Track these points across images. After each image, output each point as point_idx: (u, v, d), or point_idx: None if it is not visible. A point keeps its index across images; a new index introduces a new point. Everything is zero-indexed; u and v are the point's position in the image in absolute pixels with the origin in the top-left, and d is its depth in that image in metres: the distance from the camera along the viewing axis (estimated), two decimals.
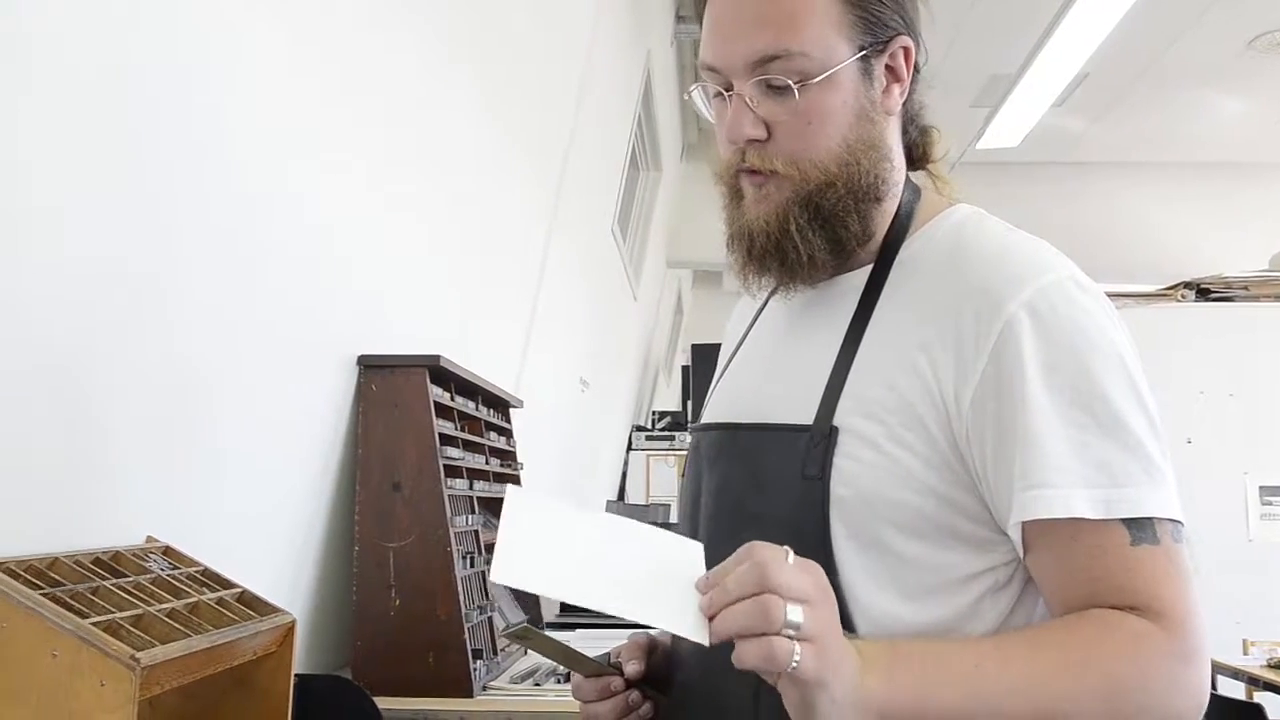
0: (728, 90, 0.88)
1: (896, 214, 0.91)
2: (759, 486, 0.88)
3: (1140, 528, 0.77)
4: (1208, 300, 5.44)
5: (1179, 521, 0.79)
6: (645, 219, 5.67)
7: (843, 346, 0.87)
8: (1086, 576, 0.78)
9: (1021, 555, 0.81)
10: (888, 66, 0.89)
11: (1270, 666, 3.70)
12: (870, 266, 0.90)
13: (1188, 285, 5.53)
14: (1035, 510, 0.78)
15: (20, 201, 1.01)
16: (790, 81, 0.85)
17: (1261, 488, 5.07)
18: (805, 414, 0.86)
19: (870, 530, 0.82)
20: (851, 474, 0.83)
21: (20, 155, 1.00)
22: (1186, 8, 4.48)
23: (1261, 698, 3.38)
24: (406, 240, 2.11)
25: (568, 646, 0.81)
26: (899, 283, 0.88)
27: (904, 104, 0.92)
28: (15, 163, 1.00)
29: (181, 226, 1.29)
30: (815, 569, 0.73)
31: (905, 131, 0.94)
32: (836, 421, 0.84)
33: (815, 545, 0.82)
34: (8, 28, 0.95)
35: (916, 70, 0.92)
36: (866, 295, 0.89)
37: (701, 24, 0.90)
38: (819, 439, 0.84)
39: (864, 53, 0.87)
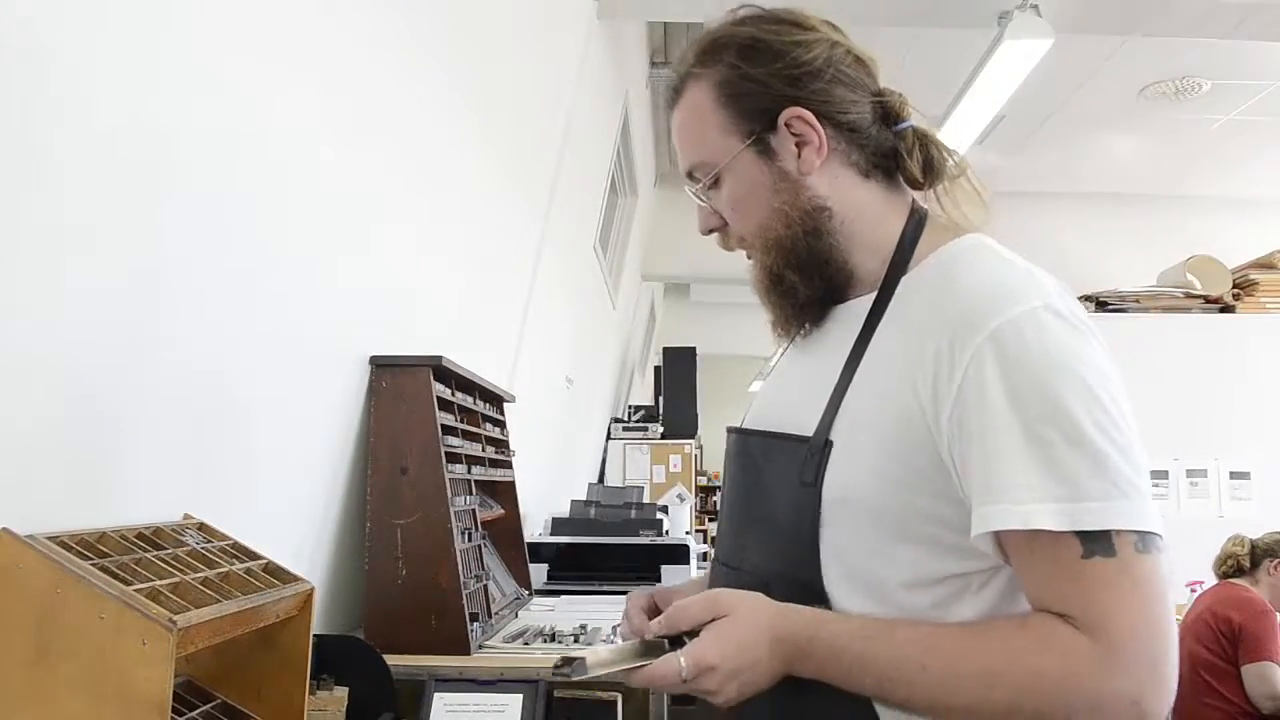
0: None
1: (900, 245, 0.88)
2: (763, 489, 0.87)
3: (1095, 540, 0.71)
4: (1106, 311, 5.52)
5: (1149, 533, 0.73)
6: (623, 238, 5.67)
7: (844, 366, 0.85)
8: (1041, 583, 0.74)
9: (1008, 564, 0.78)
10: (792, 134, 0.88)
11: None
12: (874, 294, 0.88)
13: (1088, 298, 5.60)
14: (992, 523, 0.74)
15: (63, 217, 1.00)
16: (701, 188, 0.92)
17: (1149, 472, 5.16)
18: (808, 426, 0.84)
19: (854, 529, 0.80)
20: (841, 482, 0.80)
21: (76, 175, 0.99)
22: (1088, 62, 4.54)
23: None
24: (415, 255, 2.10)
25: (620, 667, 0.78)
26: (896, 311, 0.85)
27: (858, 144, 0.89)
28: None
29: (225, 249, 1.28)
30: (722, 642, 0.76)
31: (879, 165, 0.90)
32: (832, 435, 0.82)
33: (807, 545, 0.81)
34: (30, 44, 0.94)
35: (838, 124, 0.88)
36: (868, 321, 0.86)
37: None
38: (816, 450, 0.82)
39: (753, 138, 0.88)
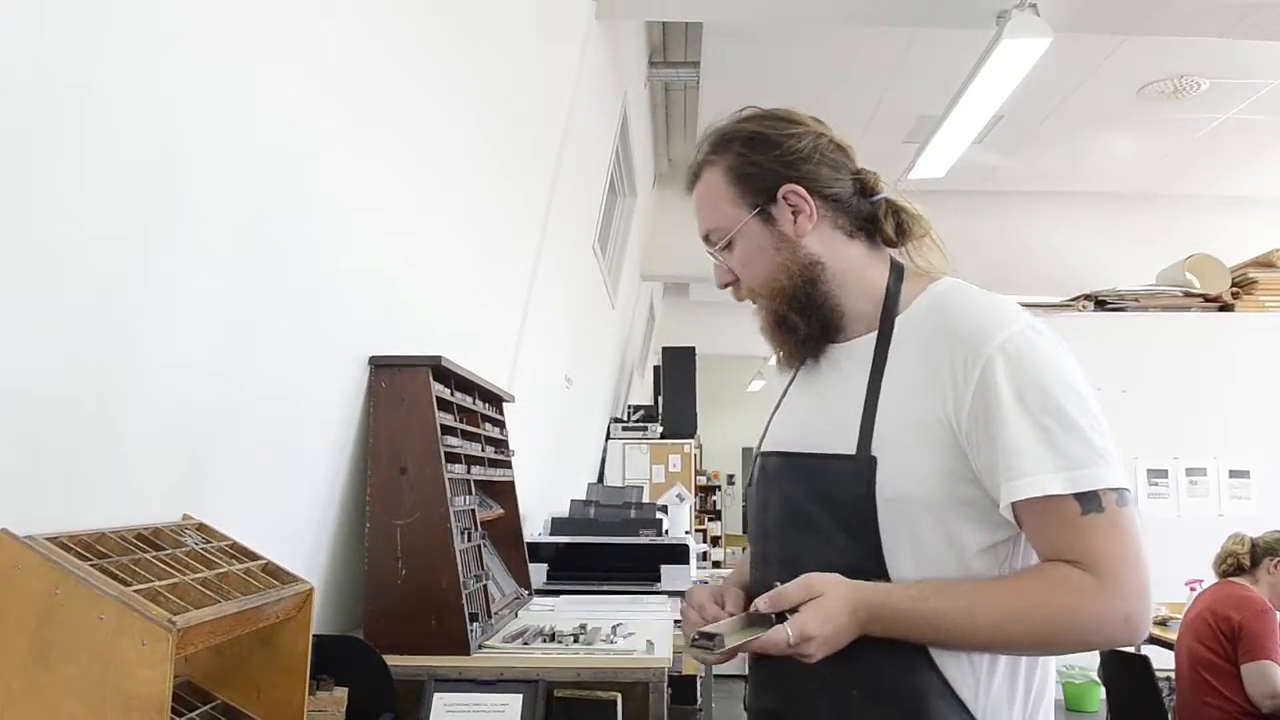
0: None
1: (888, 292, 1.09)
2: (817, 499, 1.04)
3: (1088, 500, 0.93)
4: (1104, 310, 5.53)
5: (1124, 489, 0.95)
6: (622, 237, 5.68)
7: (868, 392, 1.03)
8: (1051, 539, 0.95)
9: (1020, 528, 0.97)
10: (788, 205, 1.08)
11: (1155, 623, 3.76)
12: (873, 334, 1.07)
13: (1087, 297, 5.61)
14: (1017, 493, 0.94)
15: (61, 219, 1.00)
16: (717, 249, 1.13)
17: (1149, 470, 5.16)
18: (846, 445, 1.02)
19: (908, 521, 0.98)
20: (892, 485, 0.99)
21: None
22: (1086, 60, 4.54)
23: (1148, 650, 3.44)
24: (415, 255, 2.10)
25: (743, 640, 0.95)
26: (900, 344, 1.05)
27: (843, 211, 1.10)
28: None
29: (220, 251, 1.28)
30: (819, 616, 0.93)
31: (860, 227, 1.11)
32: (874, 451, 1.00)
33: (869, 542, 0.99)
34: (48, 50, 0.94)
35: (824, 196, 1.09)
36: (878, 354, 1.05)
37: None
38: (863, 464, 1.00)
39: (757, 209, 1.09)
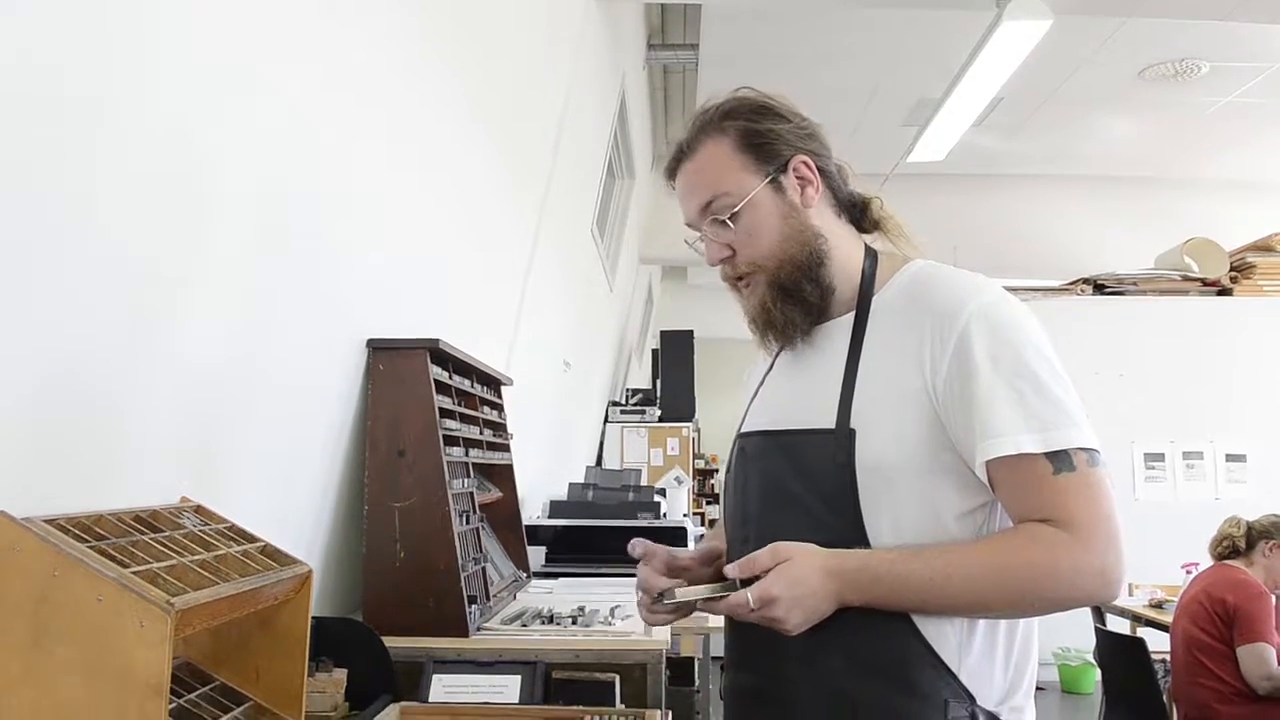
0: (699, 233, 1.14)
1: (863, 275, 1.11)
2: (799, 473, 1.06)
3: (1060, 460, 0.95)
4: (1102, 294, 5.53)
5: (1094, 450, 0.97)
6: (620, 220, 5.66)
7: (846, 369, 1.06)
8: (1024, 499, 0.97)
9: (993, 491, 0.99)
10: (797, 177, 1.10)
11: (1151, 606, 3.77)
12: (851, 313, 1.10)
13: (1086, 281, 5.61)
14: (991, 452, 0.96)
15: (62, 208, 0.99)
16: (721, 218, 1.10)
17: (1145, 454, 5.18)
18: (827, 420, 1.04)
19: (887, 490, 1.00)
20: (868, 455, 1.01)
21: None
22: (1086, 42, 4.52)
23: (1144, 632, 3.46)
24: (413, 238, 2.09)
25: (703, 596, 1.00)
26: (877, 321, 1.08)
27: (832, 191, 1.13)
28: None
29: (221, 234, 1.27)
30: (782, 580, 0.95)
31: (845, 209, 1.14)
32: (853, 424, 1.02)
33: (849, 513, 1.01)
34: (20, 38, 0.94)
35: (824, 174, 1.11)
36: (855, 332, 1.08)
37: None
38: (842, 437, 1.02)
39: (770, 178, 1.10)
